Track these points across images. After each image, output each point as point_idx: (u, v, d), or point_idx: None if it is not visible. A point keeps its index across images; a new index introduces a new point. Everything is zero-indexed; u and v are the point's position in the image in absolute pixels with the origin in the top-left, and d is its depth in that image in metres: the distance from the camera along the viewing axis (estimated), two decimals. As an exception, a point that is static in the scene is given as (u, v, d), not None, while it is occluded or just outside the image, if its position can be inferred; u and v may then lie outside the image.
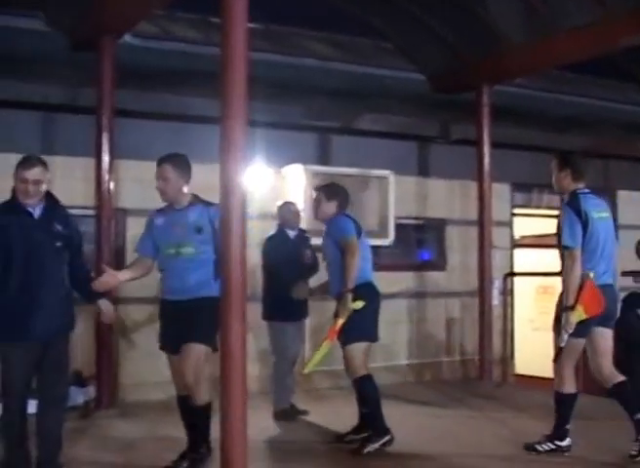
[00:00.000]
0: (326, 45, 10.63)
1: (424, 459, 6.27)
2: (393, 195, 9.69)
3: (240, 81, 5.20)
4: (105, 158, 7.90)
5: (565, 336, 5.93)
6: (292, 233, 7.82)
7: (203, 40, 9.24)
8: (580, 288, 5.90)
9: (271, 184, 9.17)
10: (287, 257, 7.54)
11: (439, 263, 10.75)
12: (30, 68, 8.37)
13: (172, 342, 5.76)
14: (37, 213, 5.31)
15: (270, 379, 7.89)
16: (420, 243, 10.90)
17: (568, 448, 6.16)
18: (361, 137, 9.96)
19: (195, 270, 5.69)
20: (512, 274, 10.96)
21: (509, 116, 10.40)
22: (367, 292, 6.43)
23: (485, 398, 8.85)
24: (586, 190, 6.19)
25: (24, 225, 5.18)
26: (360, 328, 6.34)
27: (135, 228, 8.51)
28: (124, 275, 5.93)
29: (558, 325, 6.02)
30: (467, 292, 10.42)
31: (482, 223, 9.84)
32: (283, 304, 7.44)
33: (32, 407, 5.37)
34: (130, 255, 8.70)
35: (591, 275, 5.91)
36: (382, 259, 9.43)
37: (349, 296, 6.27)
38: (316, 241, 7.62)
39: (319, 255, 7.36)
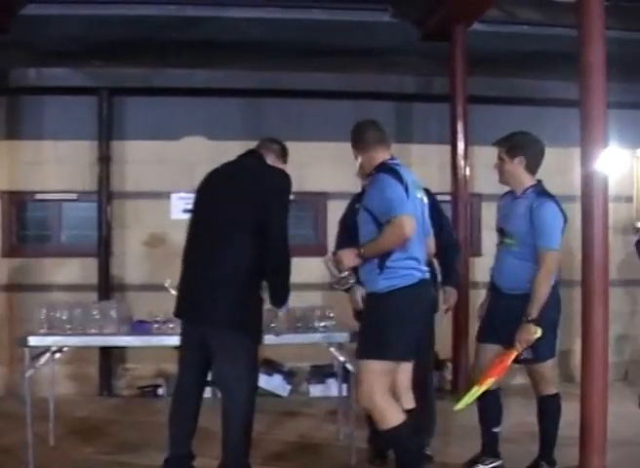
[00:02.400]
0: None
1: None
2: None
3: (598, 62, 5.14)
4: (460, 144, 8.08)
5: None
6: None
7: (548, 21, 9.16)
8: None
9: (626, 166, 8.93)
10: None
11: None
12: (385, 60, 8.76)
13: None
14: None
15: None
16: None
17: None
18: None
19: (366, 262, 4.80)
20: None
21: None
22: (552, 298, 5.17)
23: None
24: None
25: None
26: (549, 342, 5.25)
27: (489, 214, 8.67)
28: None
29: None
30: None
31: None
32: None
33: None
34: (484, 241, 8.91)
35: None
36: None
37: (532, 328, 5.03)
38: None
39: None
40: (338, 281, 4.89)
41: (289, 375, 8.38)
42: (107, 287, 8.39)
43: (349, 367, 5.61)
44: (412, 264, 4.70)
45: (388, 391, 4.72)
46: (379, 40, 9.09)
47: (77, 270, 8.53)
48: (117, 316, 5.58)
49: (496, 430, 5.45)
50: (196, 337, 4.98)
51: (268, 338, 5.32)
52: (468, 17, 7.83)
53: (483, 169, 8.60)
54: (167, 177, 8.52)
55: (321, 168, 8.67)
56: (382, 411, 4.67)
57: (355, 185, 8.30)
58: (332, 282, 4.97)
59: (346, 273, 4.80)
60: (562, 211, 5.16)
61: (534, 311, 5.02)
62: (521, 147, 5.28)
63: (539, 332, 5.04)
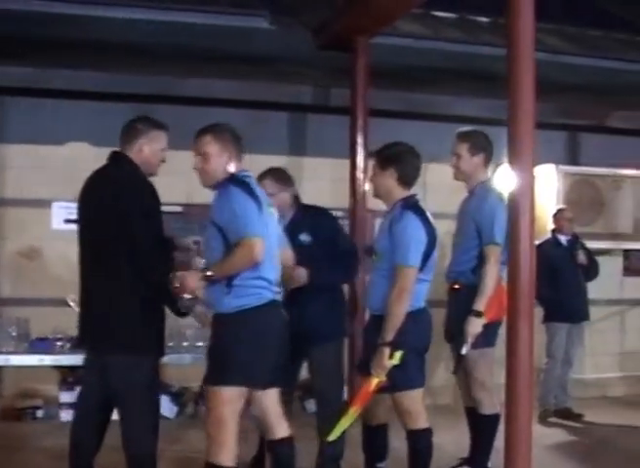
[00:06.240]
0: (559, 38, 10.32)
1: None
2: (648, 196, 9.31)
3: (527, 81, 5.06)
4: (360, 158, 7.90)
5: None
6: (563, 239, 8.07)
7: (445, 37, 9.15)
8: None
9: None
10: (560, 261, 7.82)
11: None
12: (279, 68, 8.54)
13: None
14: None
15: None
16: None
17: None
18: (612, 136, 9.62)
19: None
20: None
21: None
22: (414, 323, 4.84)
23: None
24: None
25: None
26: (410, 370, 4.88)
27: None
28: None
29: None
30: None
31: None
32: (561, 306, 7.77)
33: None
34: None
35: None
36: (635, 263, 9.20)
37: (386, 352, 4.72)
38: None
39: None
40: (182, 305, 4.55)
41: (177, 396, 8.00)
42: (-18, 301, 7.80)
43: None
44: (262, 284, 4.40)
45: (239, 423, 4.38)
46: (270, 48, 8.83)
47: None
48: (17, 333, 5.15)
49: (380, 465, 5.16)
50: (95, 362, 4.69)
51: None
52: (372, 28, 7.64)
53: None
54: (48, 185, 8.01)
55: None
56: (221, 445, 4.32)
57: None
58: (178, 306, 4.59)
59: (189, 296, 4.47)
60: (428, 225, 4.92)
61: (387, 333, 4.70)
62: (394, 159, 5.01)
63: (397, 357, 4.71)
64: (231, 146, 4.56)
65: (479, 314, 5.28)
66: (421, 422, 4.95)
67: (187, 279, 4.37)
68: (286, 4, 8.46)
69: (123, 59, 8.06)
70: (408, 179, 5.02)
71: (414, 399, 4.94)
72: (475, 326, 5.28)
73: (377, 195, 5.18)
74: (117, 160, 4.77)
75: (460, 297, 5.42)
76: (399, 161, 5.00)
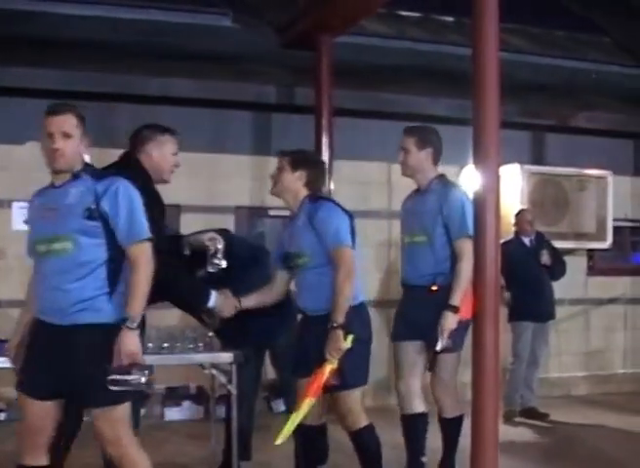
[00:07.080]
0: (524, 38, 10.37)
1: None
2: (611, 196, 9.35)
3: (492, 81, 5.06)
4: (325, 158, 7.85)
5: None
6: (526, 239, 8.13)
7: (411, 36, 9.15)
8: None
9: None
10: (524, 261, 7.89)
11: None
12: (243, 67, 8.48)
13: (34, 383, 4.03)
14: None
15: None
16: (635, 246, 10.45)
17: None
18: (576, 136, 9.67)
19: (75, 279, 3.85)
20: None
21: None
22: (359, 317, 4.84)
23: None
24: None
25: None
26: (359, 366, 4.84)
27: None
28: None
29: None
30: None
31: None
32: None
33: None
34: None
35: None
36: (599, 263, 9.25)
37: (340, 334, 4.64)
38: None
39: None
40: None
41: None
42: (-59, 303, 7.66)
43: (232, 389, 5.19)
44: None
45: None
46: (233, 46, 8.76)
47: None
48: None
49: None
50: None
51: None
52: (337, 27, 7.61)
53: (344, 184, 8.49)
54: (8, 185, 7.87)
55: (175, 179, 8.25)
56: (134, 461, 3.98)
57: (213, 198, 7.91)
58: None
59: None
60: (344, 210, 4.91)
61: (338, 316, 4.62)
62: (306, 163, 5.01)
63: (349, 340, 4.63)
64: (85, 135, 4.02)
65: (455, 309, 5.16)
66: (363, 420, 4.86)
67: (125, 344, 3.80)
68: (250, 2, 8.42)
69: (84, 57, 7.96)
70: (316, 185, 5.02)
71: (356, 398, 4.86)
72: (451, 321, 5.14)
73: (278, 193, 5.06)
74: (126, 160, 4.76)
75: (439, 299, 5.26)
76: (310, 165, 5.03)
